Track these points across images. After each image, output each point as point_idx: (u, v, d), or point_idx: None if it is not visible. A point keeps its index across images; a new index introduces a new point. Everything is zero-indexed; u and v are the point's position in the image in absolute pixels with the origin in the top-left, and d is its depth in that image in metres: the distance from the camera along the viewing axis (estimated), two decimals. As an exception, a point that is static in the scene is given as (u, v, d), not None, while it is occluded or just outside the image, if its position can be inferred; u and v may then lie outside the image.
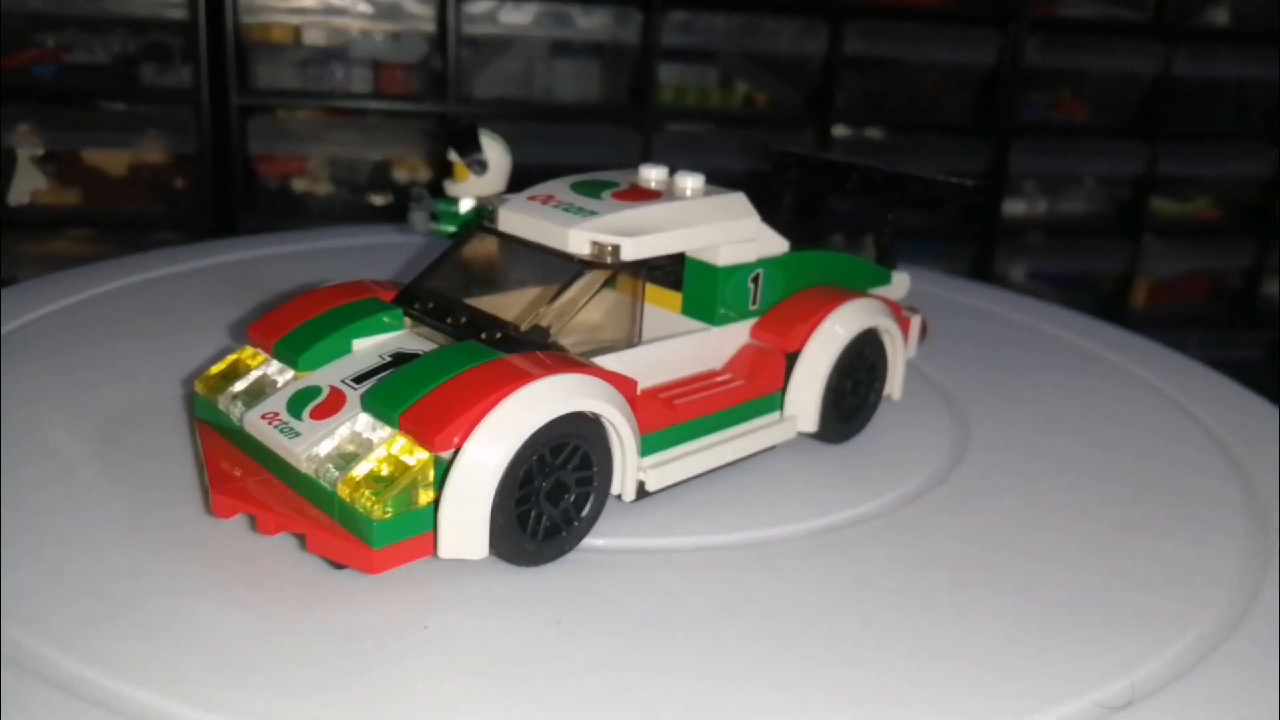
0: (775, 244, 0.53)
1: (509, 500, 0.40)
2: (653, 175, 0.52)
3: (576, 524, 0.43)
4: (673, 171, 0.52)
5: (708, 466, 0.48)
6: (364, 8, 1.29)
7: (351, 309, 0.47)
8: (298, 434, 0.41)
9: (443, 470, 0.39)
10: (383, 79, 1.34)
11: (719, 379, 0.50)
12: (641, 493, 0.46)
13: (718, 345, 0.52)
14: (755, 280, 0.52)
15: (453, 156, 0.67)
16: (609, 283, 0.46)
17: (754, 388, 0.51)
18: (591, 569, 0.42)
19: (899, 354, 0.58)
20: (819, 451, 0.55)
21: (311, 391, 0.43)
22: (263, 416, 0.43)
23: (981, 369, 0.69)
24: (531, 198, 0.49)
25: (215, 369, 0.48)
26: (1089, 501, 0.52)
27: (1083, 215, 1.69)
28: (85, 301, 0.71)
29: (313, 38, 1.31)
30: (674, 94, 1.44)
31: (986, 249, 1.59)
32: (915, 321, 0.61)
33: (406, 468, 0.38)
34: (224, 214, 1.29)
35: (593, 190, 0.50)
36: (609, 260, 0.46)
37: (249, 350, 0.48)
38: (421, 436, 0.38)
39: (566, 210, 0.48)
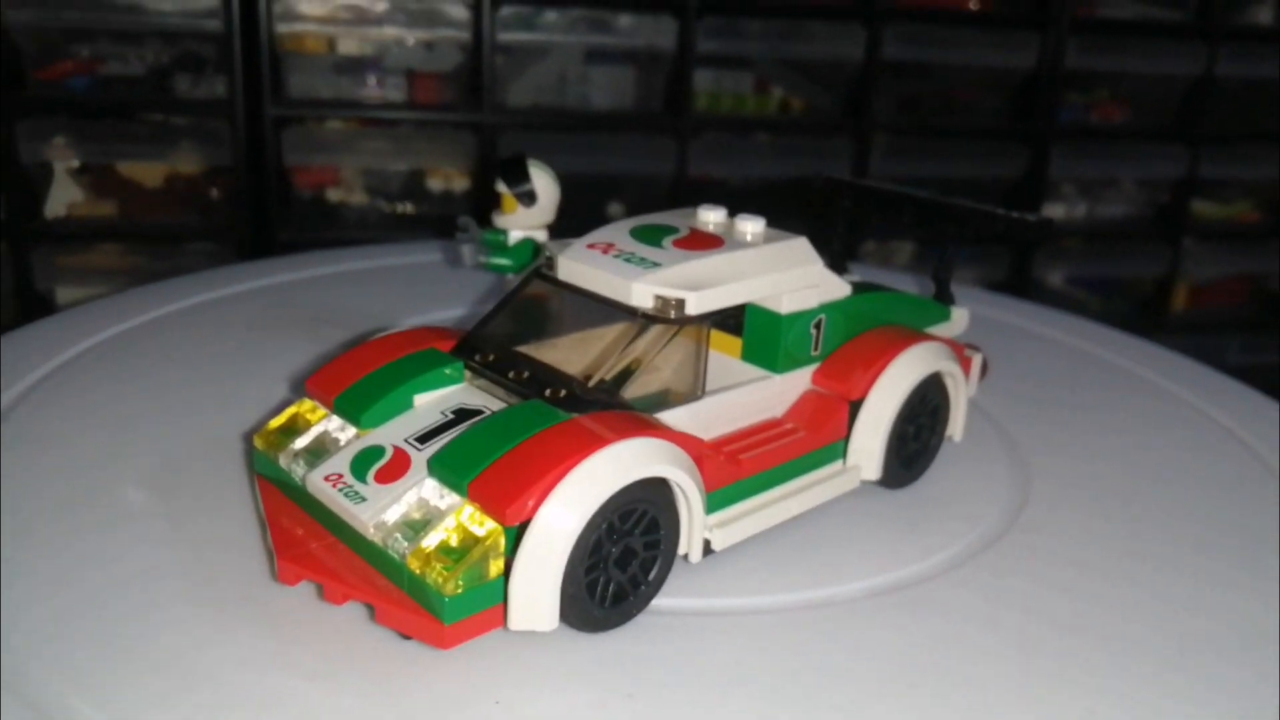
0: (837, 288, 0.52)
1: (579, 569, 0.39)
2: (711, 218, 0.51)
3: (644, 588, 0.42)
4: (732, 214, 0.51)
5: (773, 522, 0.47)
6: (398, 16, 1.28)
7: (411, 361, 0.47)
8: (363, 499, 0.41)
9: (513, 540, 0.38)
10: (417, 88, 1.33)
11: (782, 429, 0.49)
12: (707, 551, 0.45)
13: (779, 393, 0.51)
14: (818, 326, 0.51)
15: (501, 188, 0.66)
16: (674, 336, 0.45)
17: (817, 437, 0.50)
18: (658, 633, 0.42)
19: (961, 395, 0.56)
20: (878, 498, 0.53)
21: (375, 452, 0.43)
22: (326, 478, 0.42)
23: (1037, 403, 0.68)
24: (591, 245, 0.49)
25: (274, 423, 0.47)
26: (1158, 549, 0.51)
27: (1122, 219, 1.67)
28: (129, 332, 0.71)
29: (347, 47, 1.31)
30: (709, 100, 1.42)
31: (1024, 254, 1.57)
32: (976, 360, 0.60)
33: (477, 539, 0.38)
34: (259, 225, 1.29)
35: (654, 237, 0.49)
36: (673, 315, 0.45)
37: (308, 404, 0.47)
38: (492, 507, 0.38)
39: (628, 260, 0.47)
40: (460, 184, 1.38)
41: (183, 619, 0.40)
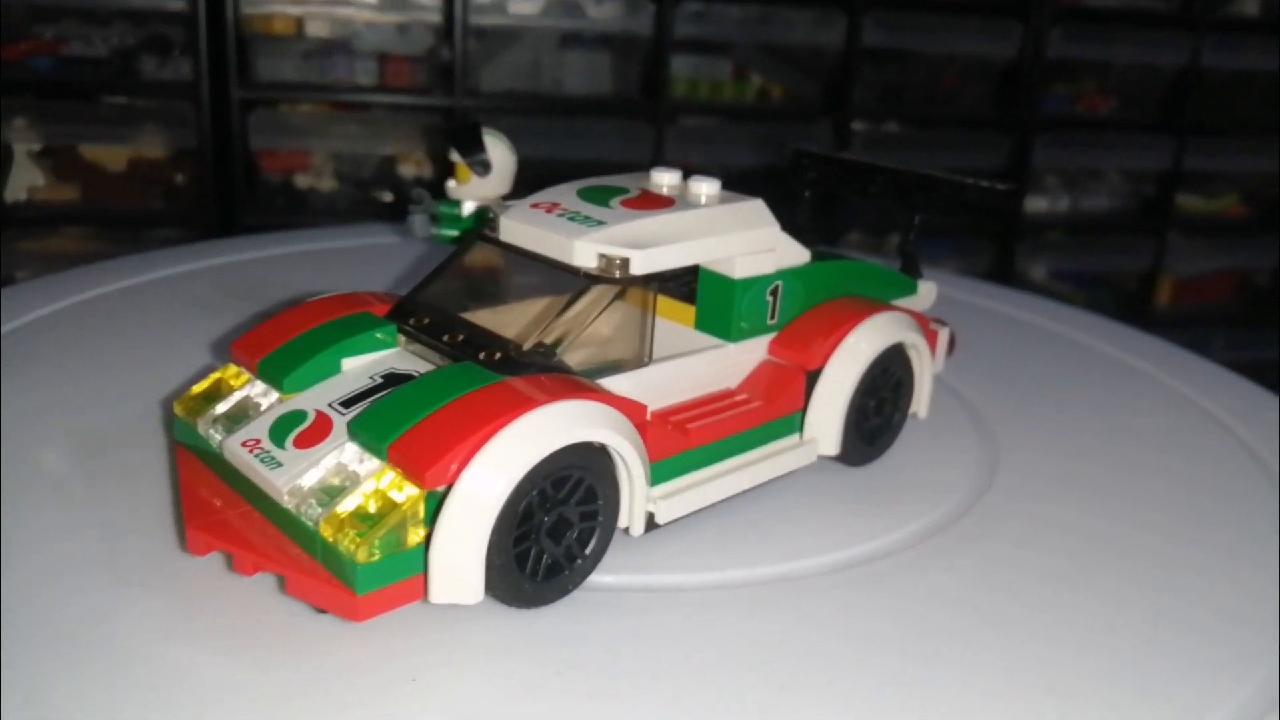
0: (796, 254, 0.50)
1: (507, 539, 0.37)
2: (665, 180, 0.48)
3: (580, 562, 0.40)
4: (687, 175, 0.48)
5: (722, 495, 0.45)
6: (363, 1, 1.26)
7: (342, 325, 0.44)
8: (280, 464, 0.38)
9: (434, 507, 0.35)
10: (388, 72, 1.31)
11: (735, 399, 0.47)
12: (651, 525, 0.43)
13: (734, 362, 0.48)
14: (774, 293, 0.49)
15: (455, 157, 0.64)
16: (618, 298, 0.43)
17: (772, 408, 0.47)
18: (595, 610, 0.39)
19: (926, 370, 0.54)
20: (839, 475, 0.51)
21: (296, 416, 0.40)
22: (244, 444, 0.40)
23: (1008, 381, 0.66)
24: (535, 205, 0.46)
25: (196, 389, 0.45)
26: (1126, 531, 0.48)
27: (1106, 212, 1.65)
28: (77, 306, 0.68)
29: (316, 29, 1.28)
30: (687, 87, 1.40)
31: (1007, 247, 1.55)
32: (943, 334, 0.57)
33: (395, 505, 0.35)
34: (225, 210, 1.26)
35: (601, 197, 0.46)
36: (618, 274, 0.42)
37: (233, 369, 0.45)
38: (412, 470, 0.35)
39: (572, 219, 0.44)
40: (431, 171, 1.36)
41: (86, 587, 0.38)
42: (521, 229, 0.45)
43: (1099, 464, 0.55)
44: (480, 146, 0.64)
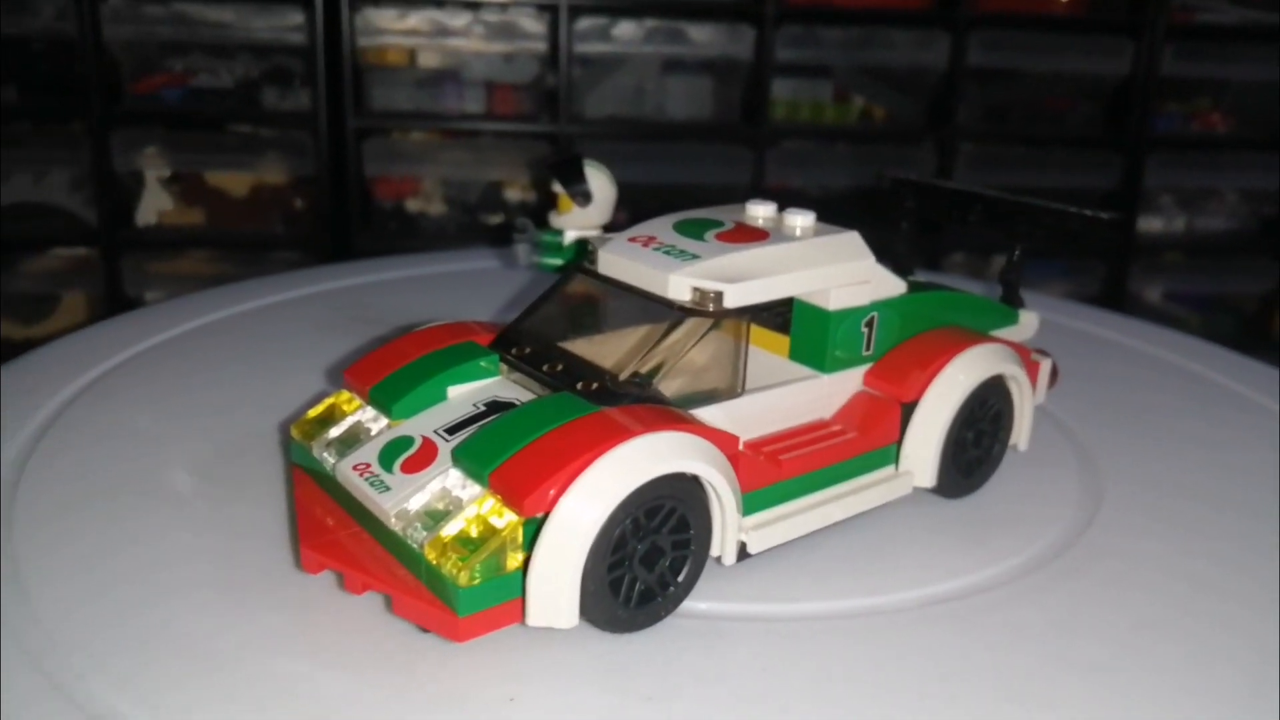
0: (891, 285, 0.50)
1: (601, 565, 0.38)
2: (760, 212, 0.49)
3: (673, 589, 0.41)
4: (782, 208, 0.49)
5: (815, 526, 0.45)
6: (477, 29, 1.30)
7: (447, 354, 0.46)
8: (388, 488, 0.40)
9: (533, 533, 0.37)
10: (495, 100, 1.34)
11: (829, 430, 0.47)
12: (744, 554, 0.43)
13: (828, 393, 0.49)
14: (869, 324, 0.49)
15: (557, 188, 0.66)
16: (712, 330, 0.44)
17: (867, 440, 0.48)
18: (687, 637, 0.40)
19: (1026, 402, 0.53)
20: (936, 507, 0.51)
21: (404, 442, 0.42)
22: (355, 467, 0.42)
23: (1114, 412, 0.64)
24: (633, 239, 0.47)
25: (312, 413, 0.47)
26: (1230, 575, 0.47)
27: (1223, 232, 1.59)
28: (201, 328, 0.72)
29: (427, 60, 1.33)
30: (787, 109, 1.40)
31: (1120, 269, 1.50)
32: (1045, 366, 0.57)
33: (495, 531, 0.37)
34: (341, 234, 1.31)
35: (696, 231, 0.47)
36: (711, 307, 0.43)
37: (345, 395, 0.47)
38: (511, 497, 0.37)
39: (668, 253, 0.45)
40: (536, 197, 1.39)
41: (206, 602, 0.40)
42: (619, 262, 0.46)
43: (1207, 503, 0.54)
44: (581, 177, 0.66)
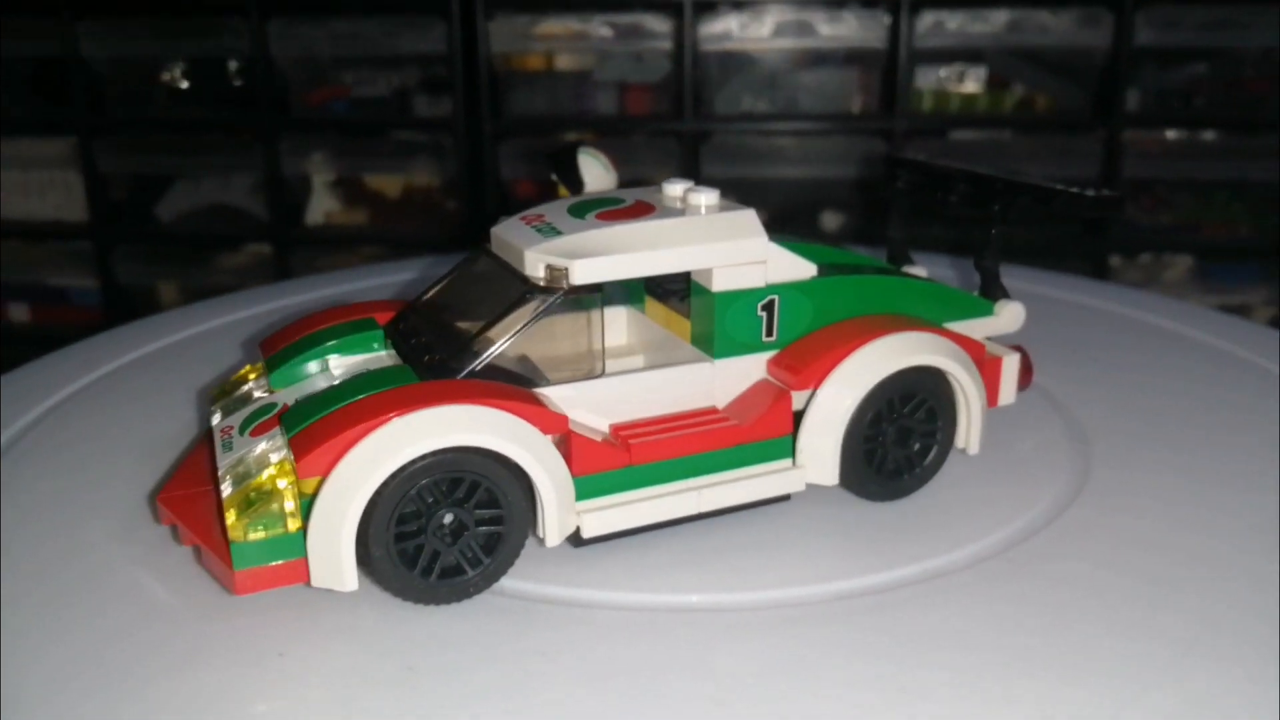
0: (795, 268, 0.46)
1: (385, 533, 0.38)
2: (675, 191, 0.48)
3: (486, 564, 0.40)
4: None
5: (667, 516, 0.43)
6: (606, 31, 1.32)
7: (341, 329, 0.48)
8: (230, 449, 0.42)
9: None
10: (628, 100, 1.36)
11: (708, 418, 0.45)
12: (581, 540, 0.42)
13: (720, 381, 0.46)
14: (767, 308, 0.46)
15: (554, 178, 0.66)
16: (557, 307, 0.43)
17: (751, 430, 0.45)
18: (497, 616, 0.39)
19: (974, 401, 0.48)
20: (862, 508, 0.47)
21: (267, 408, 0.44)
22: (221, 430, 0.44)
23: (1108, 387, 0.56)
24: (524, 217, 0.47)
25: (232, 379, 0.50)
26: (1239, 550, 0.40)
27: None
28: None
29: (562, 64, 1.37)
30: (934, 99, 1.33)
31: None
32: (1008, 362, 0.51)
33: (274, 491, 0.38)
34: (480, 234, 1.37)
35: (585, 209, 0.47)
36: (563, 284, 0.42)
37: (259, 364, 0.50)
38: (297, 461, 0.38)
39: (539, 231, 0.45)
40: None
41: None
42: (503, 240, 0.46)
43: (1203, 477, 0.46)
44: (573, 167, 0.66)
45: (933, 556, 0.43)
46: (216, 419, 0.47)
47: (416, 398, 0.39)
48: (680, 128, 1.32)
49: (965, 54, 1.32)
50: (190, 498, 0.43)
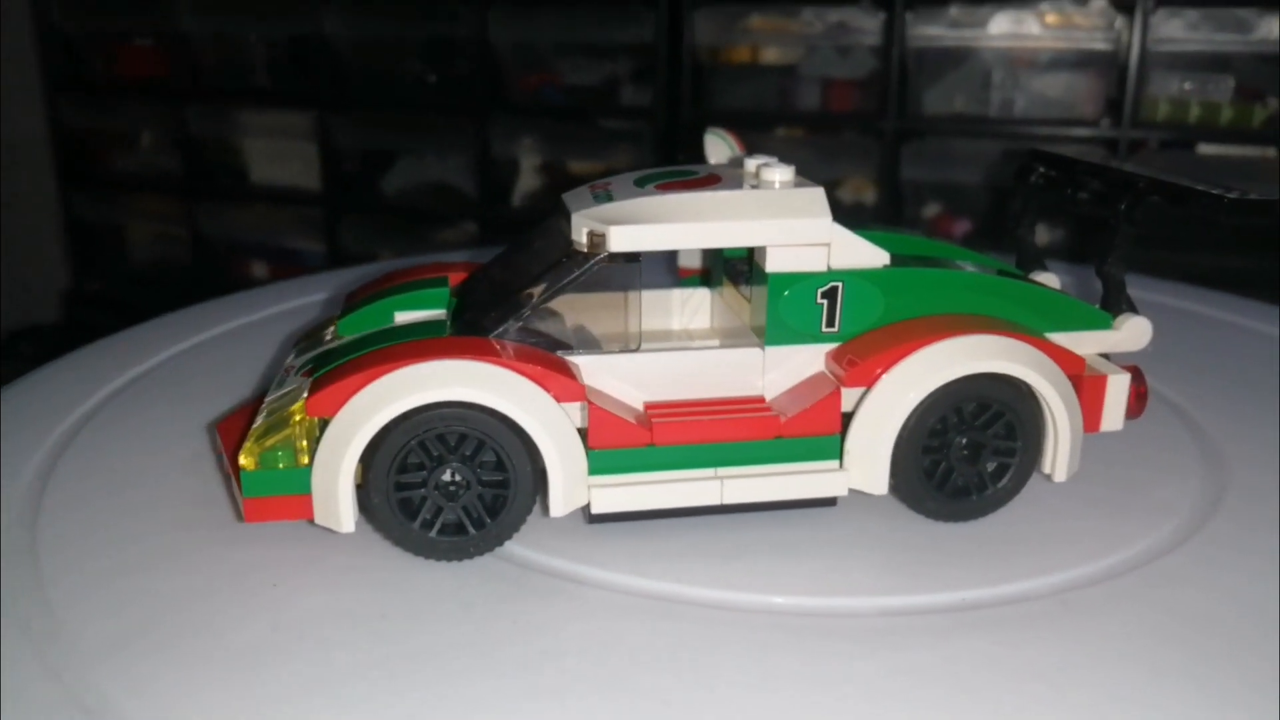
0: (865, 255, 0.43)
1: (385, 480, 0.38)
2: (751, 165, 0.45)
3: (489, 526, 0.40)
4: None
5: (686, 501, 0.41)
6: (815, 25, 1.29)
7: (412, 284, 0.49)
8: (282, 386, 0.44)
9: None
10: (831, 96, 1.32)
11: (748, 406, 0.42)
12: (592, 514, 0.41)
13: (771, 370, 0.43)
14: (829, 295, 0.43)
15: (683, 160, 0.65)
16: (594, 273, 0.41)
17: (791, 424, 0.42)
18: (481, 578, 0.39)
19: (1062, 421, 0.43)
20: (918, 526, 0.43)
21: (326, 353, 0.46)
22: (285, 368, 0.46)
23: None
24: (593, 185, 0.47)
25: (319, 325, 0.52)
26: None
27: None
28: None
29: (767, 57, 1.34)
30: (1171, 109, 1.20)
31: None
32: (1114, 382, 0.44)
33: (290, 426, 0.39)
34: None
35: (651, 179, 0.45)
36: (600, 251, 0.41)
37: (347, 313, 0.52)
38: (307, 399, 0.39)
39: (596, 197, 0.44)
40: (869, 194, 1.34)
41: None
42: (565, 206, 0.46)
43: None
44: (699, 149, 0.64)
45: (965, 587, 0.38)
46: (290, 359, 0.49)
47: (430, 350, 0.39)
48: (883, 126, 1.26)
49: (1212, 60, 1.18)
50: (237, 428, 0.45)
